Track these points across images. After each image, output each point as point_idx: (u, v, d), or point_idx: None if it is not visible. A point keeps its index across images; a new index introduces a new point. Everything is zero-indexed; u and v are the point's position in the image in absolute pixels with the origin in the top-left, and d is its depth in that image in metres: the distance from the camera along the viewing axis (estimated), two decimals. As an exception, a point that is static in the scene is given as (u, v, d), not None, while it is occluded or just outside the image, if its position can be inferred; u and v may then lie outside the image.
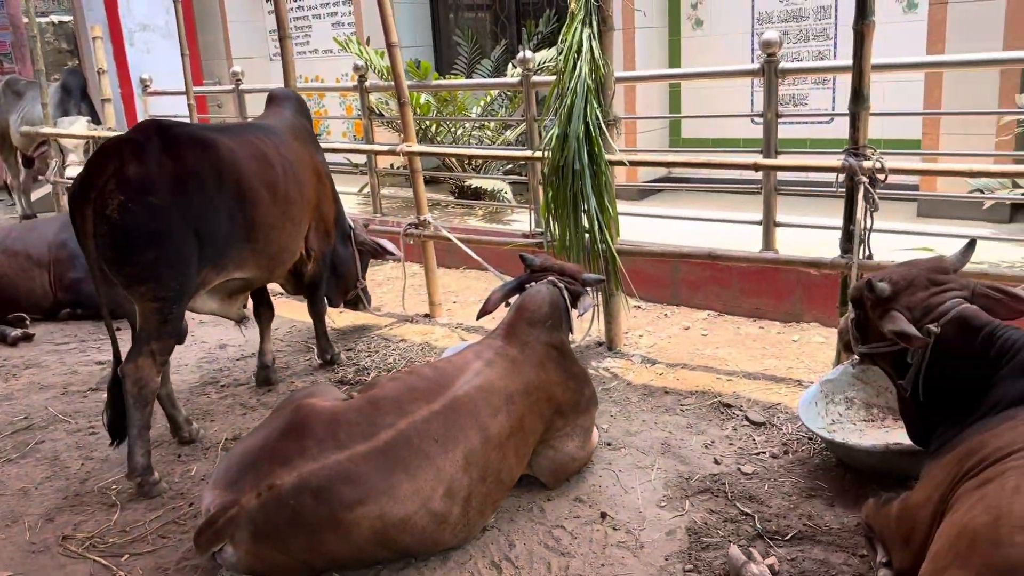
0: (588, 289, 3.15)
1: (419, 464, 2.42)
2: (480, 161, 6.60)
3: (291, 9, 8.90)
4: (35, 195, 8.72)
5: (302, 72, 9.03)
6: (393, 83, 4.73)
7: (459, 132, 6.64)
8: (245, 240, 3.37)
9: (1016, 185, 4.16)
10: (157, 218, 2.96)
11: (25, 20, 7.50)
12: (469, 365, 2.71)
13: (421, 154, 4.73)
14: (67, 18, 11.62)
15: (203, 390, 4.11)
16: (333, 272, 4.37)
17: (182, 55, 6.14)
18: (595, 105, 3.76)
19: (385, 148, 4.94)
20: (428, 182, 7.35)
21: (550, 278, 3.05)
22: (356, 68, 6.12)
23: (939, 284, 2.39)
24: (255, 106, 7.04)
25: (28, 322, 5.15)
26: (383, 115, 6.63)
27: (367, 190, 6.49)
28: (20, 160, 8.37)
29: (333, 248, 4.26)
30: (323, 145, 4.37)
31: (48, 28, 11.98)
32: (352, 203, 6.91)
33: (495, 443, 2.59)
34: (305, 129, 4.03)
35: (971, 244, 2.51)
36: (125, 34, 8.01)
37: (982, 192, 4.19)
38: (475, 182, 6.18)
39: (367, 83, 6.09)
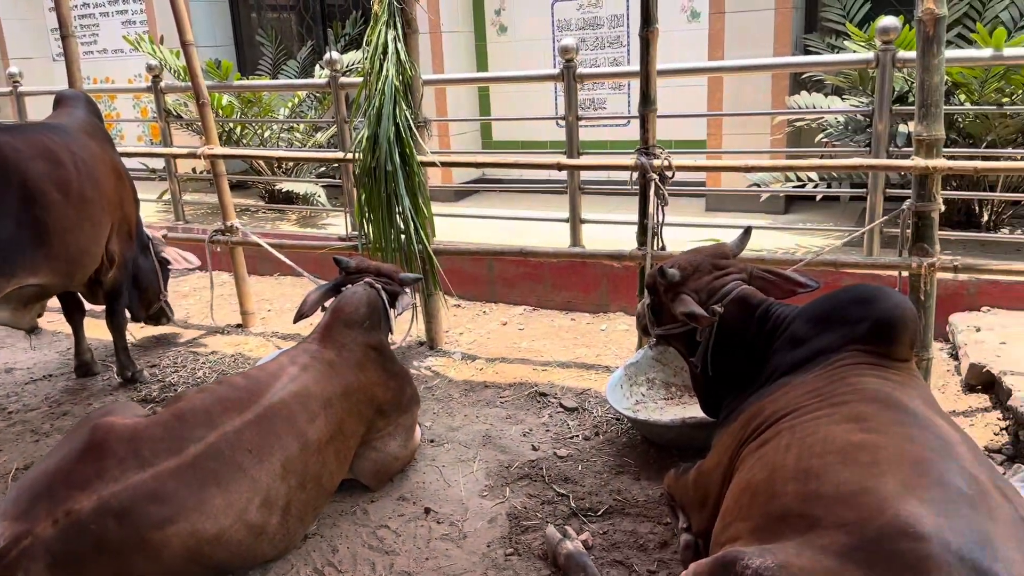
0: (406, 288, 3.18)
1: (232, 476, 2.35)
2: (291, 164, 6.44)
3: (75, 6, 8.25)
4: None
5: (90, 73, 8.40)
6: (191, 83, 4.52)
7: (267, 135, 6.44)
8: (37, 244, 3.17)
9: (788, 179, 4.63)
10: None
11: None
12: (284, 371, 2.65)
13: (225, 157, 4.55)
14: None
15: (-7, 412, 3.75)
16: (134, 284, 4.12)
17: (-57, 52, 5.53)
18: (404, 107, 3.79)
19: (185, 151, 4.70)
20: (235, 187, 7.08)
21: (367, 279, 3.05)
22: (150, 68, 5.79)
23: (721, 268, 2.62)
24: (39, 110, 6.48)
25: None
26: (181, 117, 6.30)
27: (167, 196, 6.14)
28: None
29: (134, 257, 4.02)
30: (120, 150, 4.10)
31: None
32: (152, 211, 6.52)
33: (314, 449, 2.56)
34: (99, 128, 3.83)
35: (747, 231, 2.78)
36: None
37: (759, 186, 4.63)
38: (286, 186, 6.01)
39: (162, 84, 5.78)
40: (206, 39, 7.65)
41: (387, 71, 3.74)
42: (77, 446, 2.34)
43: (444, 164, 3.94)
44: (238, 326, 4.80)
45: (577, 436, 3.25)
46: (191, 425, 2.40)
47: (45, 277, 3.33)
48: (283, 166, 6.49)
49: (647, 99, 3.41)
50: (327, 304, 3.04)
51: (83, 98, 3.92)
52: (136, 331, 4.80)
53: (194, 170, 6.46)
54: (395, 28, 3.74)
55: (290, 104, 6.46)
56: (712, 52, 5.34)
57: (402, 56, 3.75)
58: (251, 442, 2.42)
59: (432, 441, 3.28)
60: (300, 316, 3.08)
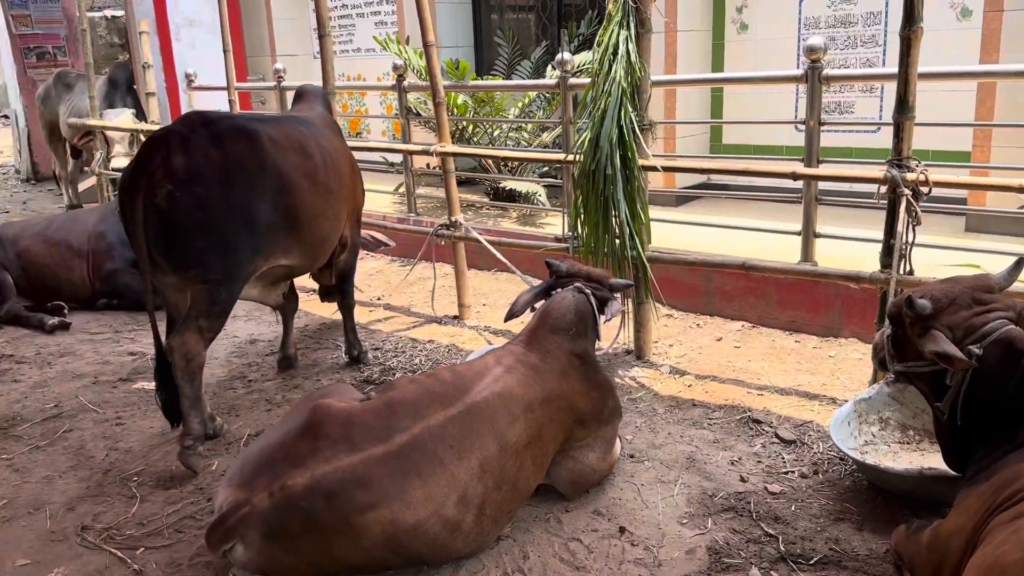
0: (616, 295, 3.09)
1: (433, 470, 2.38)
2: (516, 163, 6.56)
3: (335, 7, 8.96)
4: (82, 186, 8.89)
5: (344, 70, 9.10)
6: (429, 83, 4.71)
7: (496, 133, 6.60)
8: (289, 228, 3.43)
9: (1071, 201, 3.99)
10: (204, 207, 3.06)
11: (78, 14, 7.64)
12: (489, 371, 2.66)
13: (454, 155, 4.70)
14: (120, 13, 11.86)
15: (231, 384, 4.12)
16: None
17: (224, 51, 6.20)
18: (629, 109, 3.68)
19: (419, 148, 4.92)
20: (464, 183, 7.34)
21: (576, 284, 2.99)
22: (395, 67, 6.12)
23: (983, 304, 2.27)
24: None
25: (66, 311, 5.23)
26: (420, 115, 6.62)
27: (402, 189, 6.48)
28: (68, 151, 8.54)
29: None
30: (361, 143, 4.38)
31: (101, 22, 12.25)
32: (388, 202, 6.92)
33: (512, 451, 2.53)
34: (335, 122, 4.12)
35: (1020, 262, 2.39)
36: (172, 29, 8.13)
37: (1033, 208, 4.02)
38: (510, 184, 6.13)
39: (405, 82, 6.09)
40: (448, 40, 7.99)
41: (615, 72, 3.65)
42: (297, 424, 2.48)
43: (666, 169, 3.79)
44: (455, 317, 4.94)
45: (792, 472, 2.98)
46: (399, 415, 2.47)
47: (294, 259, 3.61)
48: (508, 164, 6.63)
49: (904, 105, 3.04)
50: (536, 306, 3.03)
51: (321, 93, 4.21)
52: (365, 314, 5.11)
53: (427, 165, 6.76)
54: (627, 28, 3.64)
55: (520, 104, 6.58)
56: (985, 54, 4.72)
57: (632, 57, 3.64)
58: (453, 437, 2.44)
59: (632, 456, 3.15)
60: (510, 316, 3.09)
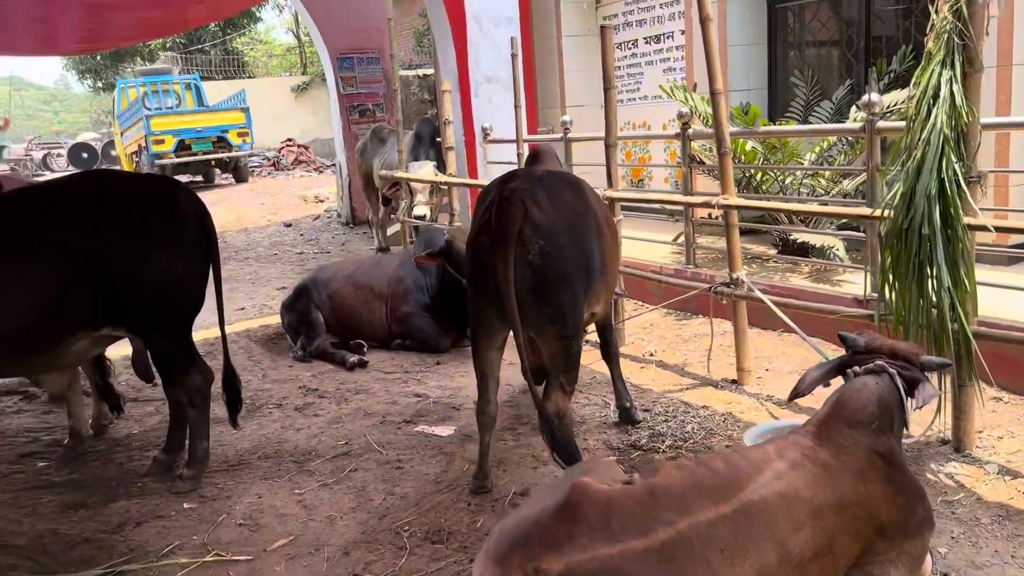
0: (928, 375, 2.61)
1: (699, 573, 2.12)
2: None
3: (624, 56, 9.01)
4: (389, 231, 9.77)
5: (631, 118, 9.10)
6: (718, 130, 4.46)
7: (788, 181, 6.14)
8: (602, 274, 3.50)
9: None
10: (564, 259, 3.19)
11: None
12: (769, 465, 2.34)
13: (739, 207, 4.39)
14: (431, 71, 13.03)
15: (500, 436, 4.14)
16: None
17: (515, 107, 6.45)
18: (952, 159, 3.16)
19: (700, 200, 4.68)
20: (748, 232, 6.91)
21: (879, 362, 2.57)
22: (680, 115, 5.94)
23: None
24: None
25: (366, 348, 5.67)
26: (704, 163, 6.36)
27: (681, 239, 6.24)
28: (380, 199, 9.44)
29: None
30: (638, 194, 4.27)
31: (414, 81, 13.56)
32: (665, 252, 6.71)
33: (795, 563, 2.19)
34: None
35: None
36: (472, 86, 8.67)
37: None
38: (802, 236, 5.63)
39: (690, 130, 5.88)
40: (740, 83, 7.66)
41: (936, 117, 3.15)
42: (555, 502, 2.35)
43: (999, 229, 3.19)
44: (732, 382, 4.59)
45: None
46: (662, 505, 2.24)
47: (601, 306, 3.68)
48: (800, 215, 6.11)
49: None
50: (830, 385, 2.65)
51: (553, 151, 4.24)
52: (635, 371, 4.93)
53: (709, 215, 6.46)
54: (951, 67, 3.14)
55: (817, 148, 6.06)
56: None
57: (957, 100, 3.13)
58: (724, 540, 2.17)
59: (946, 577, 2.63)
60: (796, 395, 2.73)
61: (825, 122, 6.50)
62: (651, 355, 5.27)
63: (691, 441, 3.89)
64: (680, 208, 6.29)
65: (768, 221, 6.31)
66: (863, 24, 6.86)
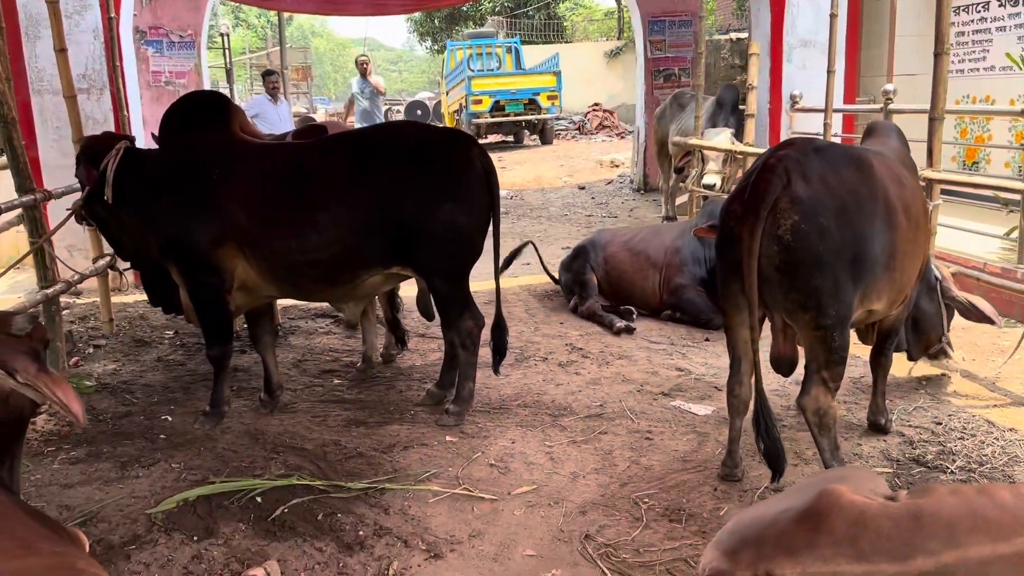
0: None
1: (963, 621, 1.82)
2: None
3: (971, 21, 7.87)
4: (678, 200, 9.57)
5: (971, 91, 7.97)
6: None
7: None
8: (887, 268, 3.10)
9: None
10: (826, 240, 2.88)
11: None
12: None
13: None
14: (744, 35, 12.43)
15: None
16: (915, 326, 3.77)
17: (828, 71, 5.93)
18: None
19: (1042, 188, 3.95)
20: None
21: None
22: (1031, 88, 5.06)
23: None
24: (906, 128, 6.43)
25: (635, 315, 5.64)
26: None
27: (1015, 235, 5.36)
28: (672, 167, 9.27)
29: (917, 295, 3.66)
30: (969, 176, 3.72)
31: (725, 44, 13.03)
32: (993, 247, 5.82)
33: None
34: (912, 161, 3.59)
35: None
36: (785, 50, 8.11)
37: None
38: None
39: (1042, 106, 4.99)
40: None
41: None
42: (800, 504, 2.14)
43: None
44: (1059, 406, 3.89)
45: None
46: (927, 532, 1.94)
47: (882, 304, 3.23)
48: None
49: None
50: None
51: (896, 129, 3.70)
52: (934, 378, 4.36)
53: (1059, 207, 5.46)
54: None
55: None
56: None
57: None
58: (999, 585, 1.84)
59: None
60: None
61: None
62: (957, 362, 4.62)
63: (987, 466, 3.36)
64: (1017, 197, 5.40)
65: None
66: None
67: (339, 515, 3.09)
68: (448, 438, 3.79)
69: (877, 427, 3.71)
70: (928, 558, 1.89)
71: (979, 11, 7.81)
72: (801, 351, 3.23)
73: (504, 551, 2.85)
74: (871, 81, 8.88)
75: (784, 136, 8.04)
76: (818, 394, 3.02)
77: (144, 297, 4.67)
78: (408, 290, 5.23)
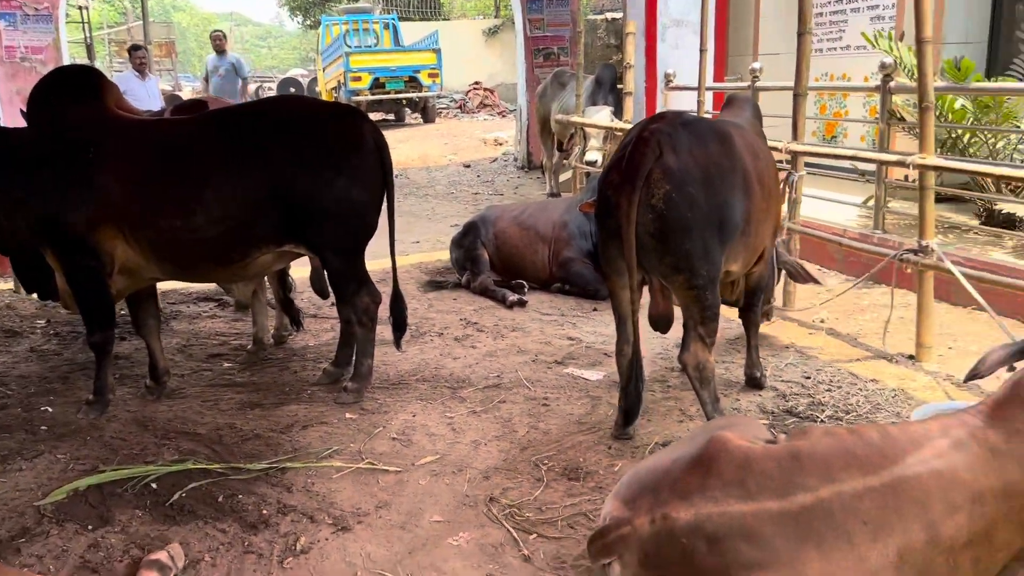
0: None
1: (837, 544, 2.01)
2: (1021, 182, 5.40)
3: (828, 2, 8.39)
4: (562, 177, 9.78)
5: (829, 69, 8.49)
6: (922, 83, 4.07)
7: (999, 144, 5.52)
8: (744, 233, 3.36)
9: None
10: (694, 208, 3.10)
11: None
12: (930, 442, 2.16)
13: (936, 169, 4.01)
14: (619, 15, 12.74)
15: (649, 387, 4.08)
16: None
17: (701, 51, 6.19)
18: None
19: (894, 158, 4.32)
20: (949, 200, 6.33)
21: (1076, 348, 2.31)
22: (882, 66, 5.48)
23: None
24: (771, 104, 6.82)
25: (526, 289, 5.76)
26: (904, 119, 5.84)
27: (872, 202, 5.81)
28: (555, 144, 9.45)
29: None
30: (829, 149, 4.02)
31: (601, 24, 13.33)
32: (852, 214, 6.28)
33: (944, 547, 2.03)
34: (762, 131, 3.92)
35: None
36: (659, 30, 8.39)
37: None
38: (1009, 207, 5.08)
39: (892, 83, 5.42)
40: (957, 35, 6.94)
41: None
42: (690, 452, 2.31)
43: None
44: (909, 357, 4.27)
45: None
46: (806, 470, 2.14)
47: (739, 265, 3.52)
48: (1011, 183, 5.50)
49: None
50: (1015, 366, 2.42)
51: (751, 102, 4.02)
52: (804, 336, 4.70)
53: (905, 178, 5.96)
54: None
55: (1041, 111, 5.41)
56: None
57: None
58: (868, 513, 2.04)
59: None
60: (974, 376, 2.55)
61: (1055, 81, 5.78)
62: (822, 321, 4.99)
63: (853, 414, 3.67)
64: (872, 167, 5.84)
65: (973, 188, 5.73)
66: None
67: (240, 496, 3.05)
68: (348, 415, 3.79)
69: (753, 380, 3.98)
70: (808, 493, 2.08)
71: (845, -7, 8.33)
72: (678, 312, 3.45)
73: (411, 519, 2.90)
74: (739, 60, 9.32)
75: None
76: (697, 350, 3.25)
77: (9, 286, 4.40)
78: (300, 270, 5.15)
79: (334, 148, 3.75)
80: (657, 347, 4.63)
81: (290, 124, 3.76)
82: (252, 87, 30.62)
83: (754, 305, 3.96)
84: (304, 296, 5.44)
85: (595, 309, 5.45)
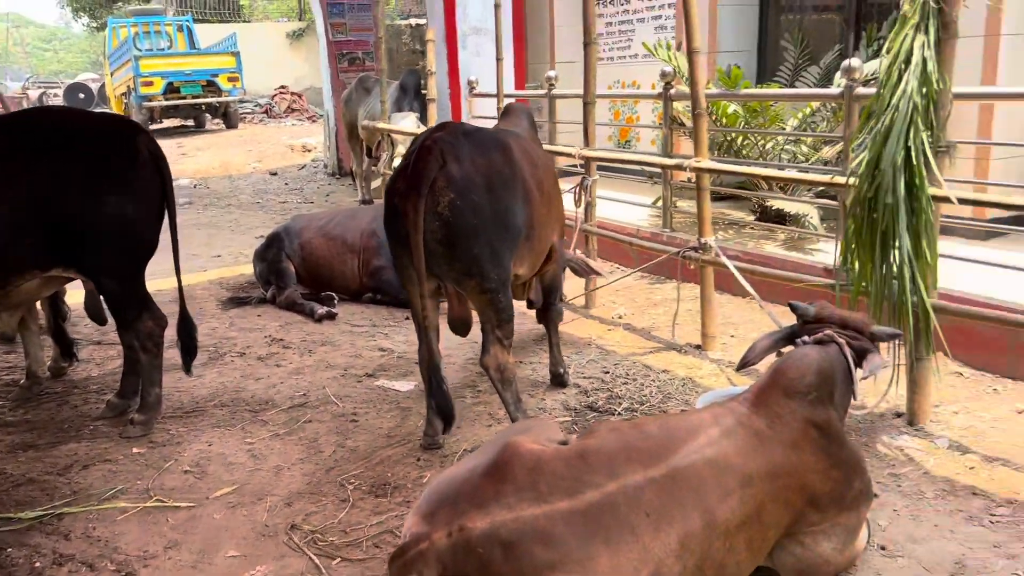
0: (877, 346, 2.59)
1: (623, 537, 2.10)
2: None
3: (616, 12, 8.83)
4: (373, 183, 9.65)
5: (621, 77, 8.94)
6: (694, 91, 4.36)
7: (768, 146, 6.04)
8: (527, 237, 3.46)
9: None
10: (480, 215, 3.16)
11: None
12: (702, 430, 2.31)
13: (710, 171, 4.32)
14: (423, 21, 12.76)
15: (460, 393, 4.12)
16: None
17: (497, 59, 6.31)
18: (920, 127, 3.08)
19: (673, 162, 4.60)
20: (729, 198, 6.85)
21: (827, 332, 2.54)
22: (663, 75, 5.83)
23: None
24: (567, 111, 7.07)
25: (336, 301, 5.62)
26: (684, 125, 6.25)
27: (660, 203, 6.17)
28: (364, 150, 9.30)
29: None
30: (614, 153, 4.20)
31: (406, 30, 13.29)
32: (644, 215, 6.64)
33: (721, 531, 2.17)
34: (537, 138, 4.10)
35: None
36: (459, 37, 8.50)
37: None
38: (778, 203, 5.57)
39: (672, 90, 5.77)
40: (729, 44, 7.52)
41: (906, 84, 3.07)
42: (486, 460, 2.32)
43: (962, 201, 3.12)
44: (697, 347, 4.57)
45: (1103, 609, 2.28)
46: (593, 467, 2.21)
47: (525, 268, 3.63)
48: (779, 181, 6.03)
49: None
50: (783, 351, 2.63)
51: (527, 112, 4.15)
52: (603, 332, 4.90)
53: (689, 179, 6.37)
54: (925, 32, 3.04)
55: (800, 115, 5.96)
56: None
57: (929, 66, 3.04)
58: (650, 504, 2.14)
59: (883, 548, 2.63)
60: (744, 364, 2.73)
61: (812, 87, 6.39)
62: (619, 318, 5.24)
63: (647, 404, 3.87)
64: (660, 171, 6.20)
65: (749, 187, 6.23)
66: (856, -13, 6.69)
67: (9, 550, 2.76)
68: (135, 450, 3.52)
69: (557, 377, 4.10)
70: (595, 490, 2.15)
71: (622, 3, 8.78)
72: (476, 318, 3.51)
73: (204, 557, 2.73)
74: (538, 68, 9.61)
75: (466, 119, 8.45)
76: (496, 352, 3.33)
77: None
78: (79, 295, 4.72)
79: (104, 162, 3.47)
80: (469, 352, 4.66)
81: (54, 137, 3.44)
82: (34, 94, 28.00)
83: (552, 304, 4.08)
84: (87, 322, 5.00)
85: (407, 318, 5.39)
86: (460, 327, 3.57)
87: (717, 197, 6.95)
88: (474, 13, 8.38)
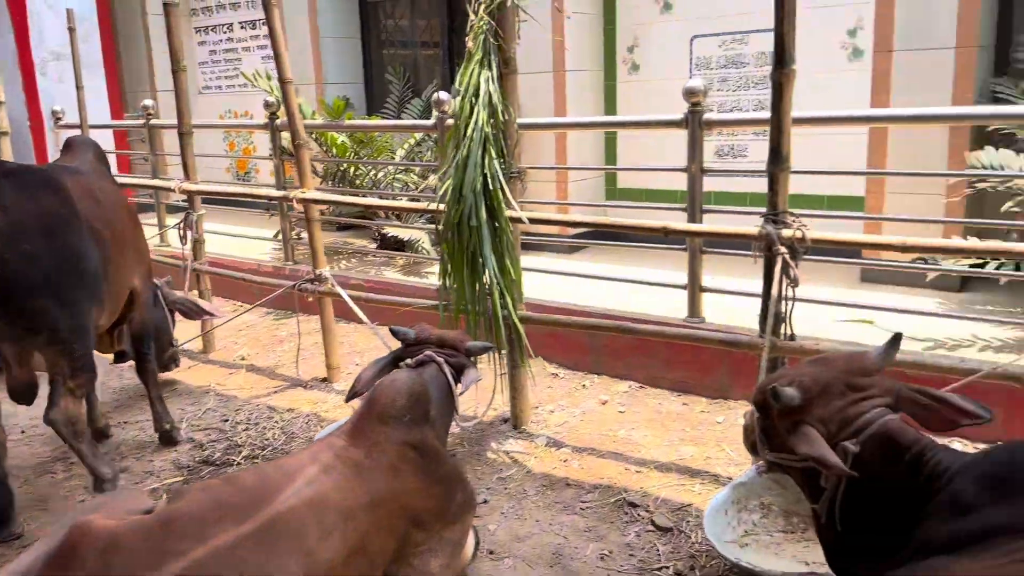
0: (474, 360, 2.73)
1: (217, 604, 1.92)
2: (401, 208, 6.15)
3: (220, 40, 8.48)
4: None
5: (232, 106, 8.60)
6: (291, 122, 4.28)
7: (379, 175, 6.20)
8: (104, 279, 3.17)
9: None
10: (37, 264, 2.83)
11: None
12: (301, 471, 2.22)
13: (315, 202, 4.28)
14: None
15: (50, 467, 3.59)
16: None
17: (77, 87, 5.67)
18: (493, 155, 3.34)
19: (279, 194, 4.50)
20: (351, 227, 6.91)
21: (427, 353, 2.62)
22: (266, 105, 5.70)
23: (859, 389, 1.97)
24: (170, 142, 6.57)
25: None
26: (292, 155, 6.17)
27: (281, 236, 6.01)
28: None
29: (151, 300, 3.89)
30: (217, 186, 3.95)
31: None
32: (266, 248, 6.42)
33: (324, 571, 2.09)
34: (107, 173, 3.77)
35: (896, 339, 2.10)
36: (37, 63, 7.51)
37: (926, 261, 3.82)
38: (392, 231, 5.73)
39: (278, 121, 5.66)
40: (336, 76, 7.60)
41: (477, 115, 3.31)
42: (49, 548, 2.00)
43: (533, 221, 3.45)
44: (323, 380, 4.49)
45: (667, 568, 2.63)
46: (177, 535, 2.00)
47: (102, 316, 3.28)
48: (393, 210, 6.22)
49: (777, 155, 2.77)
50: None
51: (92, 144, 3.84)
52: (227, 379, 4.59)
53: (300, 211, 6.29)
54: (489, 68, 3.31)
55: (407, 144, 6.20)
56: (876, 96, 4.56)
57: (495, 99, 3.31)
58: (245, 563, 1.98)
59: (491, 553, 2.76)
60: (353, 395, 2.70)
61: (417, 119, 6.69)
62: (242, 359, 4.97)
63: (270, 448, 3.70)
64: (276, 204, 6.04)
65: (369, 216, 6.32)
66: (446, 25, 7.16)
67: None
68: None
69: (165, 435, 3.75)
70: (179, 559, 1.93)
71: (226, 31, 8.46)
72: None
73: None
74: (138, 95, 8.85)
75: (52, 154, 7.48)
76: (67, 404, 3.05)
77: None
78: None
79: None
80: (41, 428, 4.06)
81: None
82: None
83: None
84: None
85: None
86: (26, 394, 3.11)
87: (342, 227, 6.97)
88: (52, 36, 7.47)
